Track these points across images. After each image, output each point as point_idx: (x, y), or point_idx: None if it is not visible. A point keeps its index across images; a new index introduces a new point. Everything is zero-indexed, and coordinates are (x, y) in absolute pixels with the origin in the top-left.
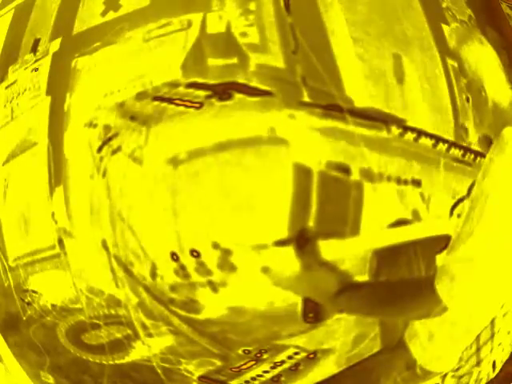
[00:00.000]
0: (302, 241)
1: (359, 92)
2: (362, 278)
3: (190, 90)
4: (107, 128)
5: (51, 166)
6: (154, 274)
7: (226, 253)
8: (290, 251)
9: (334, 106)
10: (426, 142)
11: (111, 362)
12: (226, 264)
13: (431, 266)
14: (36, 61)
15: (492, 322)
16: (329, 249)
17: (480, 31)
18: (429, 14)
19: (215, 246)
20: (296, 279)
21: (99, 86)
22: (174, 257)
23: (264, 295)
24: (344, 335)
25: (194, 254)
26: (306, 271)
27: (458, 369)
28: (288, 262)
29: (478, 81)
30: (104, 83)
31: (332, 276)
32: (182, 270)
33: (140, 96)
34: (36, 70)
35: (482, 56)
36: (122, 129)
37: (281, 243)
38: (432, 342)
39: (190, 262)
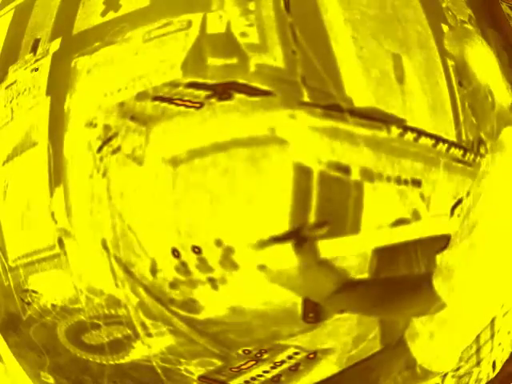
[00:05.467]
0: (302, 239)
1: (359, 92)
2: (362, 276)
3: (190, 90)
4: (107, 128)
5: (51, 166)
6: (154, 271)
7: (228, 250)
8: (289, 249)
9: (333, 106)
10: (426, 141)
11: (111, 362)
12: (227, 261)
13: (431, 265)
14: (36, 61)
15: (492, 322)
16: (328, 247)
17: (480, 31)
18: (429, 14)
19: (217, 243)
20: (294, 278)
21: (99, 86)
22: (175, 253)
23: (264, 295)
24: (344, 335)
25: (196, 250)
26: (304, 270)
27: (458, 369)
28: (287, 260)
29: (478, 80)
30: (104, 83)
31: (330, 275)
32: (182, 267)
33: (140, 96)
34: (36, 70)
35: (481, 56)
36: (122, 129)
37: (280, 240)
38: (432, 341)
39: (191, 259)
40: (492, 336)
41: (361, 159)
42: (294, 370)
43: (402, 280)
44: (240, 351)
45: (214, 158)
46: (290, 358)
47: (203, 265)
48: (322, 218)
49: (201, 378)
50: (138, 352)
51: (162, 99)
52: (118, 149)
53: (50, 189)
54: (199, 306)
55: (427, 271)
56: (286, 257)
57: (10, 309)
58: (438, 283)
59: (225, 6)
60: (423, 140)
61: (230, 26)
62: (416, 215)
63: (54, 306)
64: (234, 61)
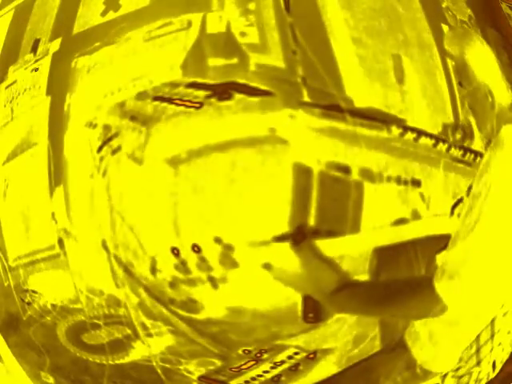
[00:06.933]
0: (301, 237)
1: (359, 92)
2: (362, 276)
3: (190, 90)
4: (107, 128)
5: (51, 166)
6: (154, 270)
7: (228, 248)
8: (288, 248)
9: (334, 106)
10: (426, 141)
11: (111, 362)
12: (228, 260)
13: (431, 265)
14: (36, 61)
15: (492, 322)
16: (328, 247)
17: (480, 31)
18: (429, 14)
19: (217, 241)
20: (296, 276)
21: (99, 86)
22: (175, 252)
23: (264, 294)
24: (344, 335)
25: (195, 249)
26: (305, 267)
27: (457, 369)
28: (288, 258)
29: (478, 80)
30: (104, 83)
31: (331, 273)
32: (182, 266)
33: (140, 96)
34: (36, 70)
35: (481, 56)
36: (122, 129)
37: (280, 239)
38: (432, 341)
39: (191, 258)
40: (492, 336)
41: (361, 159)
42: (294, 370)
43: (403, 281)
44: (240, 351)
45: (214, 158)
46: (289, 358)
47: (203, 263)
48: (322, 218)
49: (201, 378)
50: (138, 352)
51: (162, 99)
52: (118, 149)
53: (50, 189)
54: (199, 305)
55: (428, 272)
56: (285, 256)
57: (10, 309)
58: (439, 285)
59: (225, 6)
60: (423, 140)
61: (230, 26)
62: (416, 215)
63: (54, 305)
64: (234, 61)
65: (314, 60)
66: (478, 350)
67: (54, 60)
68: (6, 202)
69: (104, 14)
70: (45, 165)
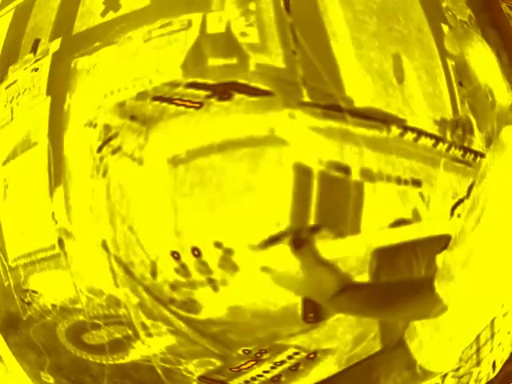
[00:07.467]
0: (302, 240)
1: (359, 92)
2: (362, 277)
3: (190, 90)
4: (107, 128)
5: (51, 166)
6: (154, 273)
7: (228, 252)
8: (289, 250)
9: (333, 106)
10: (426, 141)
11: (111, 362)
12: (228, 263)
13: (431, 266)
14: (36, 61)
15: (492, 322)
16: (329, 248)
17: (480, 31)
18: (429, 14)
19: (217, 244)
20: (296, 279)
21: (99, 86)
22: (175, 255)
23: (264, 295)
24: (344, 335)
25: (195, 252)
26: (305, 271)
27: (457, 369)
28: (288, 260)
29: (478, 80)
30: (104, 83)
31: (332, 276)
32: (182, 269)
33: (140, 96)
34: (36, 70)
35: (481, 56)
36: (122, 129)
37: (280, 242)
38: (432, 342)
39: (191, 261)
40: (492, 336)
41: (361, 159)
42: (294, 370)
43: (404, 282)
44: (240, 351)
45: (214, 158)
46: (289, 358)
47: (203, 267)
48: (323, 219)
49: (201, 378)
50: (137, 352)
51: (162, 99)
52: (118, 149)
53: (50, 189)
54: (199, 306)
55: (428, 273)
56: (286, 258)
57: (10, 309)
58: (439, 286)
59: (225, 6)
60: (423, 140)
61: (230, 26)
62: (416, 215)
63: (54, 306)
64: (234, 61)
65: (314, 60)
66: (478, 350)
67: (54, 60)
68: (5, 202)
69: (104, 14)
70: (45, 165)
